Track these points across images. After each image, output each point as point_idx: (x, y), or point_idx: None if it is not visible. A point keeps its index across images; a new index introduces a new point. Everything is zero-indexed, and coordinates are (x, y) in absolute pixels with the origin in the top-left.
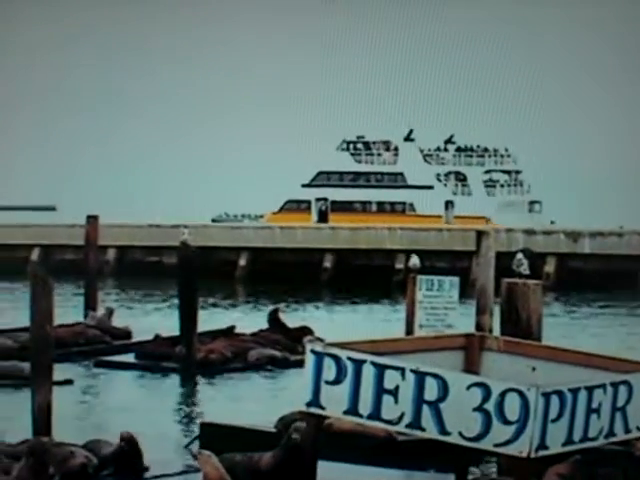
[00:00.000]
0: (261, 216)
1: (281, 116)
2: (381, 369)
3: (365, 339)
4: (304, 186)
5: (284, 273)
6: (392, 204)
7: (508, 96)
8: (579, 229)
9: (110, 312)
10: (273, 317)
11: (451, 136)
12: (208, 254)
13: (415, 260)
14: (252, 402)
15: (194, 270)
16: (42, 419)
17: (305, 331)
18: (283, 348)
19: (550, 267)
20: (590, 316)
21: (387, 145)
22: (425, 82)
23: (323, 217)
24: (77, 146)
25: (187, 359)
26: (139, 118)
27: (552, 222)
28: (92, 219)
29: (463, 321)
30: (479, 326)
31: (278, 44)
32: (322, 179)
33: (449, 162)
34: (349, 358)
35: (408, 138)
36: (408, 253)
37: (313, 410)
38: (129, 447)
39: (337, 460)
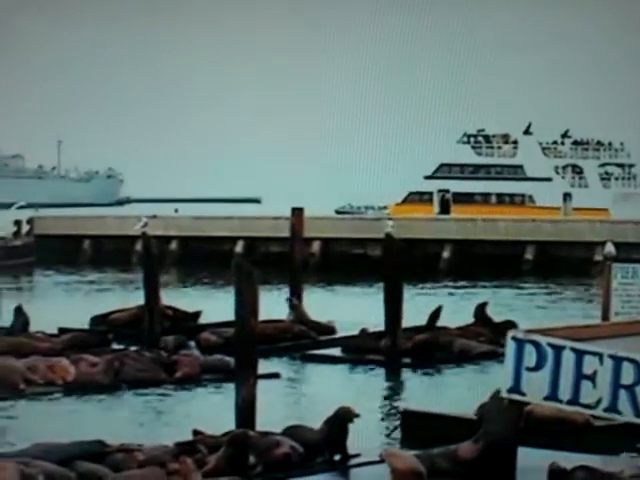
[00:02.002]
0: (385, 207)
1: (405, 109)
2: (580, 355)
3: (563, 325)
4: (427, 178)
5: (486, 265)
6: (512, 196)
7: (622, 91)
8: None
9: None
10: (479, 311)
11: (567, 130)
12: (411, 246)
13: (610, 248)
14: (454, 392)
15: (399, 262)
16: (246, 412)
17: (509, 325)
18: (487, 341)
19: None
20: None
21: (506, 138)
22: (542, 77)
23: (445, 208)
24: (280, 140)
25: (392, 351)
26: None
27: None
28: (297, 211)
29: None
30: None
31: (405, 36)
32: (444, 171)
33: (566, 155)
34: (549, 344)
35: (527, 131)
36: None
37: (514, 397)
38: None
39: (535, 446)
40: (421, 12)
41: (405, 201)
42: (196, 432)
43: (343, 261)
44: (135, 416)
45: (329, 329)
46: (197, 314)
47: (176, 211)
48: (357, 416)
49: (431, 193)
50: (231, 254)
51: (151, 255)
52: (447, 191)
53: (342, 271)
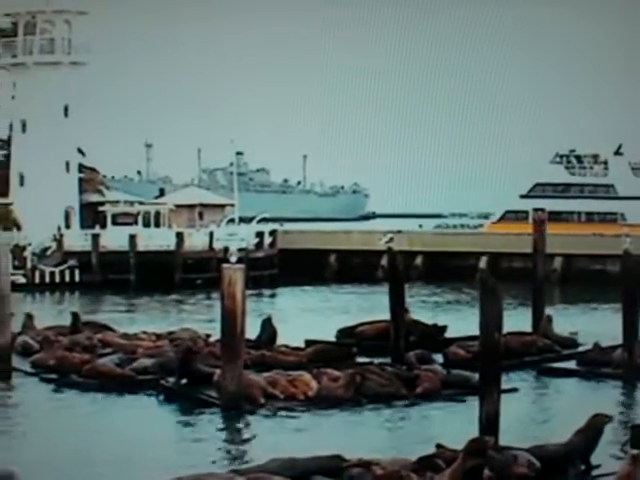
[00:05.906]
0: (480, 225)
1: (501, 133)
2: None
3: None
4: (522, 197)
5: None
6: (604, 214)
7: None
8: None
9: (549, 319)
10: None
11: None
12: None
13: None
14: None
15: (636, 278)
16: (489, 427)
17: None
18: None
19: None
20: None
21: (596, 158)
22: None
23: None
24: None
25: (628, 365)
26: None
27: None
28: (539, 227)
29: None
30: None
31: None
32: (538, 190)
33: None
34: None
35: (617, 152)
36: None
37: None
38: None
39: None
40: (520, 37)
41: (502, 219)
42: (439, 446)
43: (584, 277)
44: (376, 431)
45: (572, 342)
46: (443, 328)
47: (420, 226)
48: (610, 419)
49: (526, 212)
50: (474, 269)
51: (396, 270)
52: (542, 210)
53: (582, 286)
